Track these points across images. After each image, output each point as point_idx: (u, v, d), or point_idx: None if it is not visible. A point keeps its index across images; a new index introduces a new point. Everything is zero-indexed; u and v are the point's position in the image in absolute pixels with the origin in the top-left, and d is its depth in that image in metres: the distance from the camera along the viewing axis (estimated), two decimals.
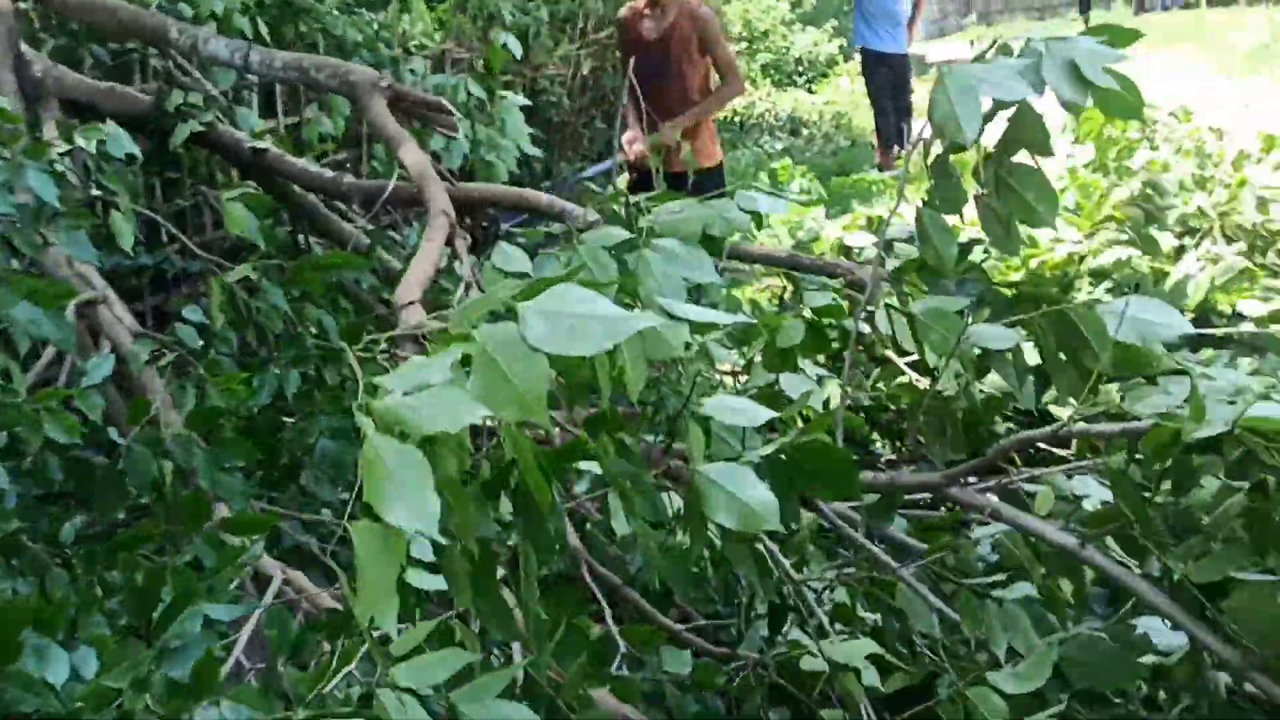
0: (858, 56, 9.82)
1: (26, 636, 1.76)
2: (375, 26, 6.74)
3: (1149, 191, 4.00)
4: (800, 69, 16.07)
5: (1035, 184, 1.46)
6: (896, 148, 8.71)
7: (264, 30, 4.97)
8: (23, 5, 3.90)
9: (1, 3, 3.71)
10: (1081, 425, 1.31)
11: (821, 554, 1.90)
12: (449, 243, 2.97)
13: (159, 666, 1.58)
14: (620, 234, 1.59)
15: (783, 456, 1.31)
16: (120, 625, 1.70)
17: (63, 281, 2.66)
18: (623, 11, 5.46)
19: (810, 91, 14.82)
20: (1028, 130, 1.44)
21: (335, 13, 6.28)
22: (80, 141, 3.24)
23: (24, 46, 3.76)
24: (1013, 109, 1.44)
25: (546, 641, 1.23)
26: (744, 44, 15.33)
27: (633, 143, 5.12)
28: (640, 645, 2.05)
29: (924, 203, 1.51)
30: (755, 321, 1.38)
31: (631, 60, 5.25)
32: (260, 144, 3.62)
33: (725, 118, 11.67)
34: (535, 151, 4.54)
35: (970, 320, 1.59)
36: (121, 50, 4.72)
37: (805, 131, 11.29)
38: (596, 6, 8.99)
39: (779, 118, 11.67)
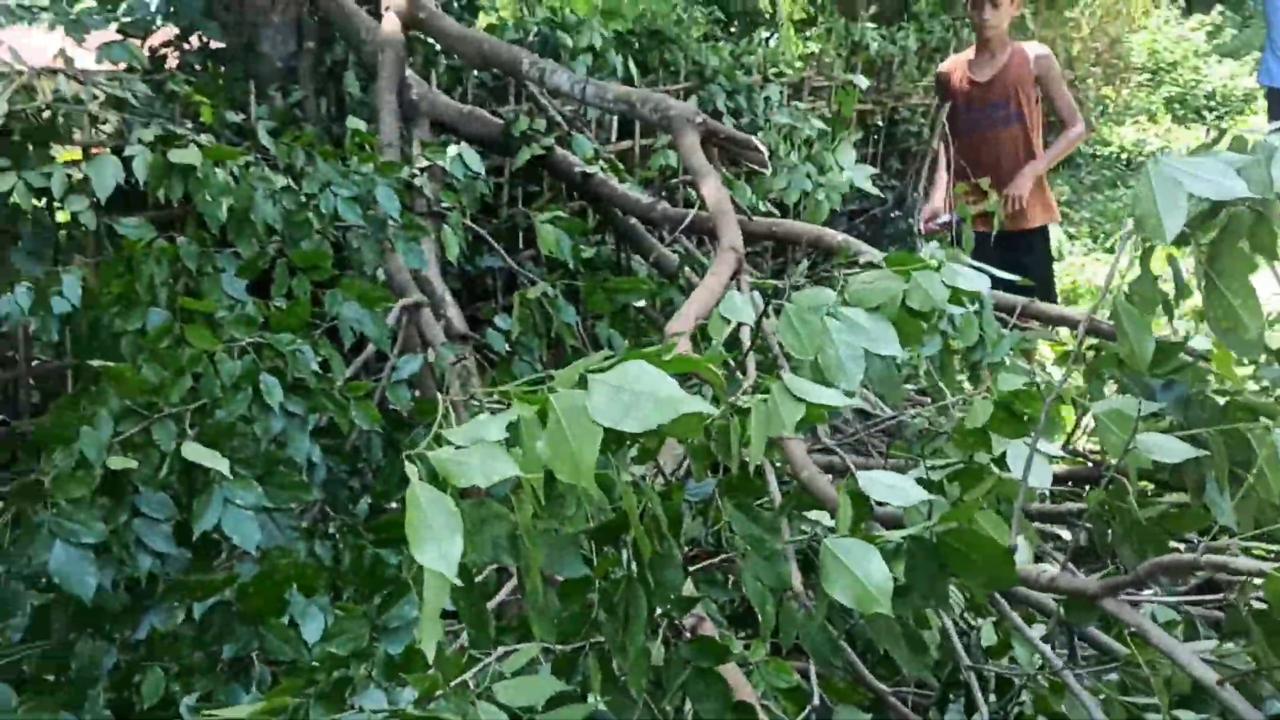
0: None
1: (294, 597, 2.06)
2: (734, 54, 6.99)
3: None
4: (1211, 104, 14.77)
5: (1243, 290, 1.33)
6: None
7: (632, 66, 5.33)
8: (413, 34, 4.42)
9: (394, 33, 4.24)
10: (1212, 558, 1.17)
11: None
12: (735, 277, 3.09)
13: (380, 642, 1.80)
14: (828, 296, 1.62)
15: (931, 539, 1.30)
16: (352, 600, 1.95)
17: (385, 286, 3.02)
18: (943, 65, 5.25)
19: (1220, 130, 13.59)
20: (1246, 232, 1.31)
21: (699, 41, 6.58)
22: (438, 159, 3.65)
23: (407, 71, 4.28)
24: (1240, 207, 1.32)
25: (670, 684, 1.30)
26: (1146, 75, 14.32)
27: (931, 219, 4.86)
28: (839, 700, 2.07)
29: (1125, 296, 1.42)
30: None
31: (949, 112, 4.97)
32: (589, 169, 3.90)
33: (1109, 155, 10.99)
34: (873, 190, 4.50)
35: (1170, 423, 1.47)
36: (500, 75, 5.23)
37: None
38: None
39: None
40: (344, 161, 3.14)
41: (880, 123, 8.19)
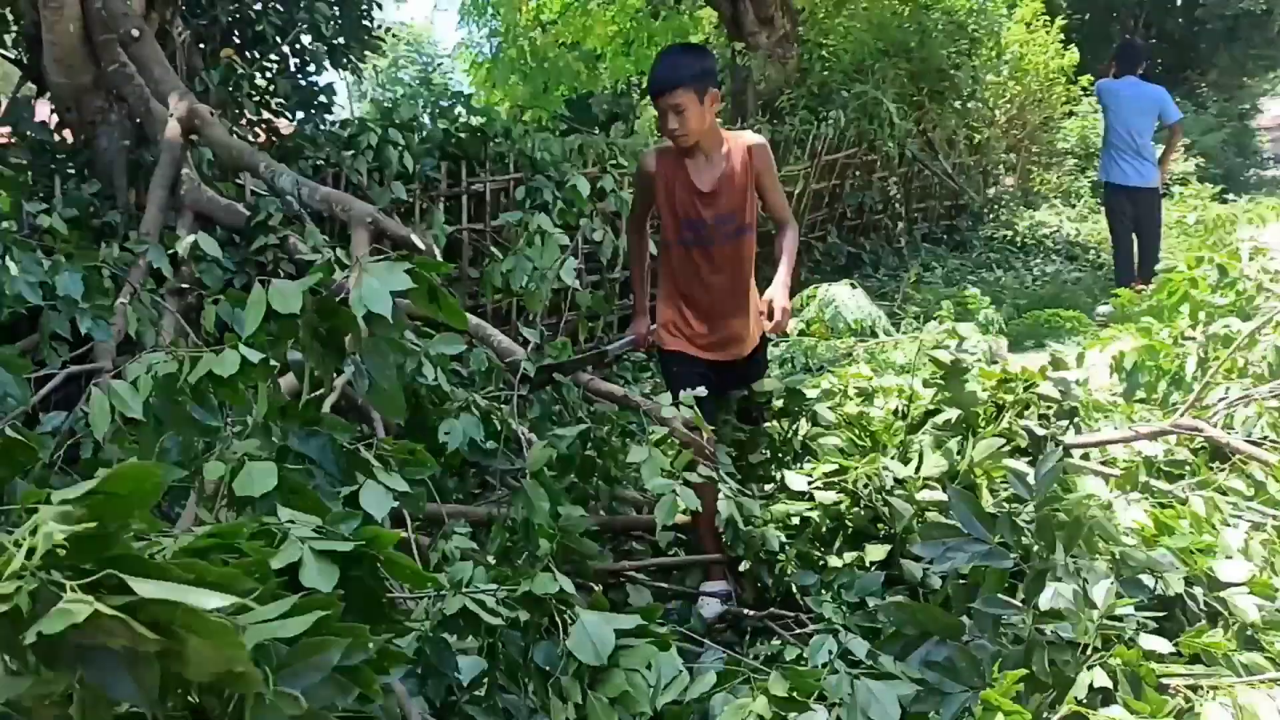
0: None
1: None
2: (581, 147, 7.59)
3: None
4: None
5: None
6: (1138, 284, 8.27)
7: (409, 160, 6.00)
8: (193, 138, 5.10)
9: (174, 137, 4.92)
10: None
11: None
12: None
13: None
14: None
15: None
16: None
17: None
18: (648, 159, 3.95)
19: None
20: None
21: (533, 133, 7.20)
22: (179, 247, 4.30)
23: (184, 169, 4.94)
24: None
25: None
26: (1074, 160, 14.79)
27: (646, 334, 4.12)
28: None
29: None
30: None
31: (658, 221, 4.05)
32: (310, 255, 4.52)
33: (1005, 235, 11.40)
34: (574, 284, 4.94)
35: None
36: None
37: (1086, 257, 10.84)
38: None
39: (1057, 241, 11.27)
40: (48, 253, 3.78)
41: None
